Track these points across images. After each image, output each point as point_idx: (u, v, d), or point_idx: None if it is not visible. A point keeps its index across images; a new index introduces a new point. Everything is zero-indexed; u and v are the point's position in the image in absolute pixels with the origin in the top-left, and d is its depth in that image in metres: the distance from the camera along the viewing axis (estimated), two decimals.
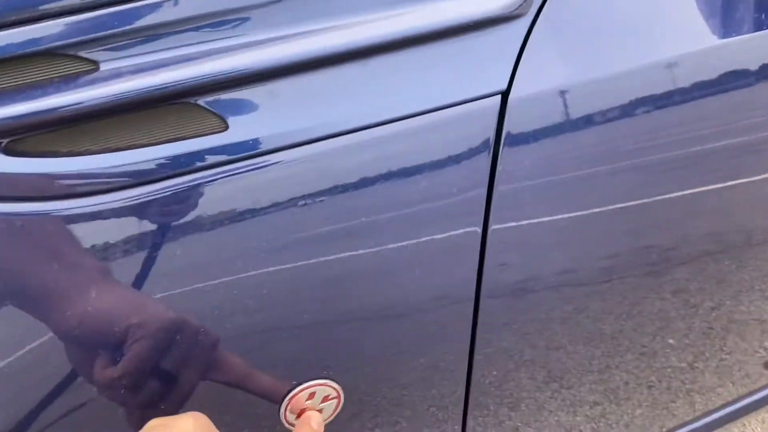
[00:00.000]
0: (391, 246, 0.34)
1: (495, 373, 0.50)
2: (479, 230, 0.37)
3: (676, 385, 0.59)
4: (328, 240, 0.32)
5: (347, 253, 0.33)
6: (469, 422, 0.50)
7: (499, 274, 0.42)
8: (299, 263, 0.32)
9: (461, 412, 0.49)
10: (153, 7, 0.26)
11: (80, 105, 0.25)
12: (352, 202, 0.31)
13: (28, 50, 0.25)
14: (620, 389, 0.56)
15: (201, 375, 0.35)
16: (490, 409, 0.50)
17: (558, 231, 0.43)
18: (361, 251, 0.33)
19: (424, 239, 0.36)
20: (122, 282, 0.29)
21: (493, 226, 0.38)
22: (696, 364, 0.58)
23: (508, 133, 0.33)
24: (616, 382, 0.55)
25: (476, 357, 0.45)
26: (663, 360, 0.56)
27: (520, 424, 0.53)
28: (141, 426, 0.32)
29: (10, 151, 0.25)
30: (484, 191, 0.35)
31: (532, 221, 0.41)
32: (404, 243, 0.34)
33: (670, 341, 0.56)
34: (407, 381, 0.46)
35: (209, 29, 0.27)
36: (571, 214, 0.42)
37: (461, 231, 0.36)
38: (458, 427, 0.50)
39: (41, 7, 0.25)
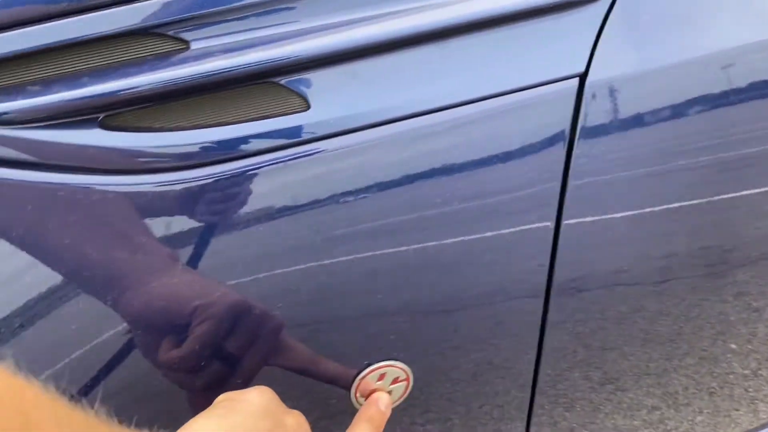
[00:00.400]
0: (465, 237, 0.34)
1: (549, 371, 0.49)
2: (552, 225, 0.36)
3: (739, 393, 0.56)
4: (403, 226, 0.32)
5: (421, 243, 0.33)
6: (532, 424, 0.49)
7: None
8: (374, 251, 0.32)
9: (519, 412, 0.48)
10: None
11: (171, 82, 0.26)
12: (427, 187, 0.31)
13: (123, 29, 0.26)
14: (679, 394, 0.54)
15: (265, 359, 0.35)
16: (545, 408, 0.49)
17: (616, 228, 0.42)
18: (431, 241, 0.33)
19: (496, 232, 0.35)
20: (200, 259, 0.30)
21: (564, 222, 0.37)
22: (760, 371, 0.56)
23: (585, 118, 0.33)
24: (674, 387, 0.53)
25: (543, 356, 0.44)
26: (725, 366, 0.54)
27: (575, 425, 0.52)
28: (204, 409, 0.32)
29: (106, 126, 0.26)
30: (558, 184, 0.34)
31: (595, 218, 0.40)
32: (484, 234, 0.34)
33: (732, 346, 0.54)
34: (459, 376, 0.45)
35: (293, 10, 0.28)
36: (635, 212, 0.41)
37: (534, 225, 0.36)
38: (521, 425, 0.49)
39: None
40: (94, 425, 0.19)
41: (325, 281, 0.33)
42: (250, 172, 0.29)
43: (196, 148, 0.27)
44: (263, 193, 0.29)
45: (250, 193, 0.29)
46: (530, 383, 0.46)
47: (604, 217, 0.41)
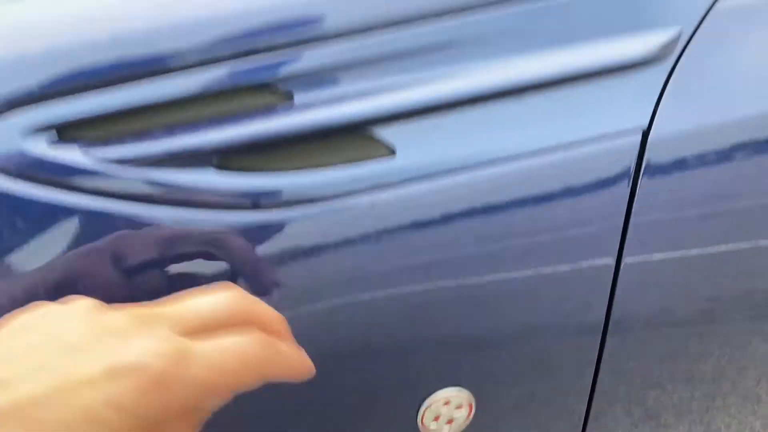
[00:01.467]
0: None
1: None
2: (612, 261, 0.37)
3: None
4: (471, 260, 0.34)
5: (487, 276, 0.35)
6: None
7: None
8: (443, 281, 0.34)
9: None
10: (337, 48, 0.30)
11: (277, 131, 0.29)
12: (494, 226, 0.33)
13: (238, 84, 0.29)
14: None
15: None
16: None
17: (662, 268, 0.43)
18: (495, 275, 0.35)
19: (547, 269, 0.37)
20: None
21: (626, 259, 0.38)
22: None
23: (647, 166, 0.35)
24: (717, 424, 0.53)
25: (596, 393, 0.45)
26: None
27: None
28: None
29: (219, 167, 0.29)
30: (621, 222, 0.36)
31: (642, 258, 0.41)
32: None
33: None
34: (500, 407, 0.46)
35: (385, 67, 0.30)
36: (681, 252, 0.42)
37: (588, 264, 0.37)
38: None
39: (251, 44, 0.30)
40: None
41: (375, 312, 0.35)
42: (338, 212, 0.31)
43: (290, 190, 0.30)
44: (349, 231, 0.32)
45: (341, 230, 0.31)
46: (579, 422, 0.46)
47: (650, 257, 0.42)
